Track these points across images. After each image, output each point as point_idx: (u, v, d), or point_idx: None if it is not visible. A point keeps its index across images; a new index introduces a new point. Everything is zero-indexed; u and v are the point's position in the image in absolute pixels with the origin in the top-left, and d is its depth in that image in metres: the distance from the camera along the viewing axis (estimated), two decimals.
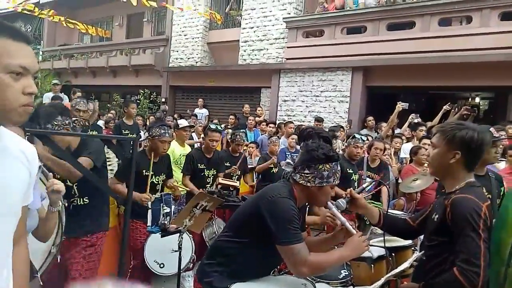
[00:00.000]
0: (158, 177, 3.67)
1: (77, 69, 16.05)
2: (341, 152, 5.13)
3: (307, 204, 2.25)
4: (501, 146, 3.10)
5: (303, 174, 1.90)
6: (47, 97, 7.94)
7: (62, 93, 8.64)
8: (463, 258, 1.59)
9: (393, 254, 2.56)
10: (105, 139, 3.70)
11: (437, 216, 1.78)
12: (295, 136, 6.06)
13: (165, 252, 3.21)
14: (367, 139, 5.03)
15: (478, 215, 1.61)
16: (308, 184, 1.89)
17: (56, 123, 2.51)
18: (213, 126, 4.47)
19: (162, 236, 2.84)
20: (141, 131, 6.91)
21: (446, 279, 1.65)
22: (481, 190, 1.81)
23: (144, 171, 3.50)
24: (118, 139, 5.29)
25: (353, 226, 1.99)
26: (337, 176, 1.94)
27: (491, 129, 2.73)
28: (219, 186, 4.34)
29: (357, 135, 4.49)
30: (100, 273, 3.45)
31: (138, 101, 12.17)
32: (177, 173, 4.54)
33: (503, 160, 4.08)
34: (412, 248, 2.75)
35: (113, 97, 14.12)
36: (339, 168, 1.95)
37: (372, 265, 2.39)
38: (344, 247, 1.91)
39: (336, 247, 2.19)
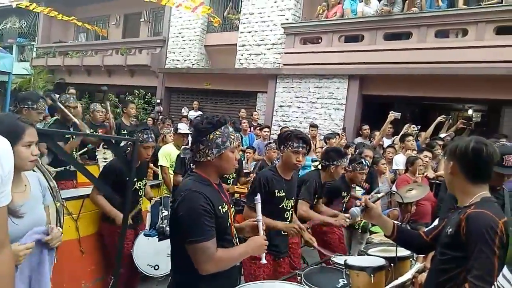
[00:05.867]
0: (140, 182, 3.53)
1: (71, 67, 15.88)
2: None
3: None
4: None
5: (200, 152, 1.88)
6: None
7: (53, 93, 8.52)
8: (476, 274, 1.57)
9: (391, 264, 2.57)
10: (104, 139, 3.64)
11: (450, 229, 1.75)
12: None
13: (157, 254, 3.17)
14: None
15: (494, 231, 1.59)
16: (209, 158, 1.87)
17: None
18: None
19: (159, 240, 2.82)
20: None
21: None
22: (498, 206, 1.79)
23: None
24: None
25: (263, 228, 2.02)
26: (232, 138, 1.90)
27: None
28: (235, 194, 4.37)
29: (363, 161, 4.23)
30: (88, 279, 3.40)
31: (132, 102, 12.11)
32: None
33: None
34: (410, 259, 2.76)
35: (107, 96, 13.99)
36: (230, 130, 1.92)
37: (372, 275, 2.38)
38: (246, 244, 1.95)
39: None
